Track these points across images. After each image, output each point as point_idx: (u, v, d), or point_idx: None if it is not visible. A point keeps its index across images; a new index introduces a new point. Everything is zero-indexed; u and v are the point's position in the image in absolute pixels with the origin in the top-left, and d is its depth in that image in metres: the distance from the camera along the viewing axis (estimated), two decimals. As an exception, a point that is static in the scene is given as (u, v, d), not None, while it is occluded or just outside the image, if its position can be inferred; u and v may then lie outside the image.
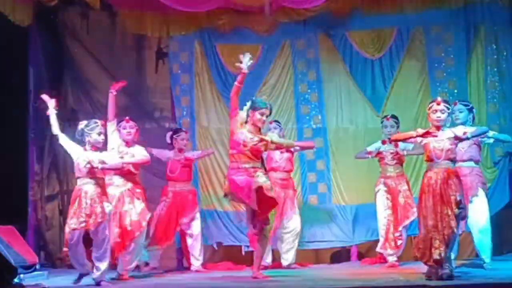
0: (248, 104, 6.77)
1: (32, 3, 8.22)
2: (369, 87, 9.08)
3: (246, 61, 6.69)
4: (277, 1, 8.28)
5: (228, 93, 8.97)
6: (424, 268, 6.33)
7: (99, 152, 6.62)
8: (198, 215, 8.03)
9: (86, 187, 6.51)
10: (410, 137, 6.40)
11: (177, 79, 9.03)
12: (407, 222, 7.77)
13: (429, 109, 6.32)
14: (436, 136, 6.19)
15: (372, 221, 8.31)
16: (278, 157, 8.06)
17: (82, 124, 6.66)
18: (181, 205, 7.92)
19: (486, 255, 7.12)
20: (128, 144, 7.20)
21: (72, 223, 6.46)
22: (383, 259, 7.99)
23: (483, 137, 7.11)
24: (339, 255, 8.93)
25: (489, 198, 7.53)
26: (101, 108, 8.36)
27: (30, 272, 7.13)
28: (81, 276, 6.65)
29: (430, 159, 6.25)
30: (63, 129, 9.00)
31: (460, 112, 7.08)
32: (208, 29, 9.05)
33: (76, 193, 6.54)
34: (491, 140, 7.51)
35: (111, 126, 7.09)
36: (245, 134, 6.70)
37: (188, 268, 8.06)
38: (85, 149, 6.59)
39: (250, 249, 7.06)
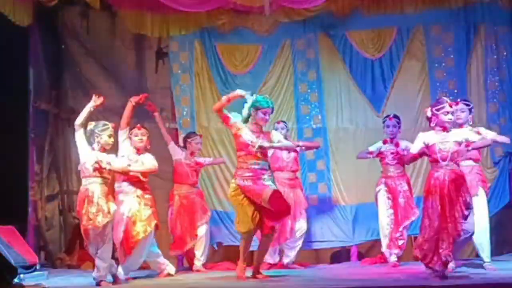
0: (249, 102, 6.73)
1: (32, 3, 8.22)
2: (369, 87, 9.08)
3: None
4: (277, 1, 8.27)
5: (228, 92, 9.01)
6: (424, 268, 6.32)
7: (106, 154, 6.66)
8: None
9: (92, 186, 6.54)
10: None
11: (177, 79, 9.03)
12: (407, 222, 7.77)
13: (438, 110, 6.20)
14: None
15: (372, 221, 8.31)
16: (286, 157, 8.04)
17: (91, 125, 6.67)
18: (190, 208, 7.92)
19: (485, 254, 7.11)
20: (139, 151, 7.17)
21: (84, 223, 6.50)
22: (383, 259, 7.99)
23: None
24: (339, 255, 8.92)
25: (489, 198, 7.53)
26: (101, 108, 8.35)
27: (30, 272, 7.12)
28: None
29: (435, 161, 6.20)
30: (63, 129, 9.13)
31: (462, 111, 7.04)
32: (208, 29, 9.05)
33: (83, 193, 6.56)
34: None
35: (123, 134, 7.11)
36: (250, 134, 6.69)
37: (188, 268, 8.05)
38: (93, 149, 6.62)
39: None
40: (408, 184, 7.92)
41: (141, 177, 7.07)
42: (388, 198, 7.88)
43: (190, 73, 9.04)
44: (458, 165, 6.24)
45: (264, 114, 6.70)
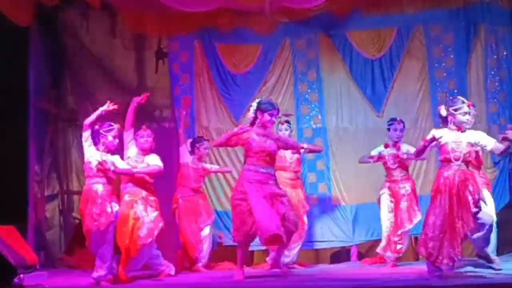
0: (255, 105, 6.73)
1: (32, 3, 8.22)
2: (369, 87, 9.08)
3: None
4: (277, 1, 8.27)
5: (228, 92, 9.04)
6: (424, 268, 6.32)
7: (111, 155, 6.68)
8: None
9: (96, 186, 6.57)
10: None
11: (177, 79, 9.03)
12: (410, 226, 7.71)
13: (456, 110, 6.11)
14: None
15: (372, 221, 8.31)
16: (289, 157, 8.03)
17: (97, 125, 6.69)
18: (194, 211, 7.93)
19: (490, 250, 7.02)
20: (144, 152, 7.17)
21: (87, 223, 6.52)
22: (383, 260, 7.99)
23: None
24: (339, 255, 8.92)
25: (489, 198, 7.52)
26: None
27: (30, 272, 7.11)
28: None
29: (446, 160, 6.15)
30: (63, 129, 9.13)
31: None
32: (208, 29, 9.05)
33: (87, 193, 6.59)
34: None
35: (129, 135, 7.10)
36: (259, 138, 6.69)
37: (188, 268, 8.05)
38: (98, 149, 6.65)
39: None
40: (413, 187, 7.86)
41: (147, 178, 7.06)
42: (391, 201, 7.86)
43: (190, 73, 9.04)
44: (468, 166, 6.20)
45: (271, 116, 6.70)
